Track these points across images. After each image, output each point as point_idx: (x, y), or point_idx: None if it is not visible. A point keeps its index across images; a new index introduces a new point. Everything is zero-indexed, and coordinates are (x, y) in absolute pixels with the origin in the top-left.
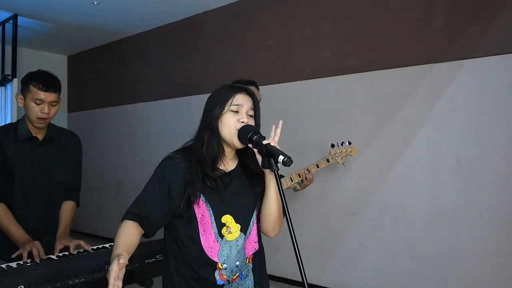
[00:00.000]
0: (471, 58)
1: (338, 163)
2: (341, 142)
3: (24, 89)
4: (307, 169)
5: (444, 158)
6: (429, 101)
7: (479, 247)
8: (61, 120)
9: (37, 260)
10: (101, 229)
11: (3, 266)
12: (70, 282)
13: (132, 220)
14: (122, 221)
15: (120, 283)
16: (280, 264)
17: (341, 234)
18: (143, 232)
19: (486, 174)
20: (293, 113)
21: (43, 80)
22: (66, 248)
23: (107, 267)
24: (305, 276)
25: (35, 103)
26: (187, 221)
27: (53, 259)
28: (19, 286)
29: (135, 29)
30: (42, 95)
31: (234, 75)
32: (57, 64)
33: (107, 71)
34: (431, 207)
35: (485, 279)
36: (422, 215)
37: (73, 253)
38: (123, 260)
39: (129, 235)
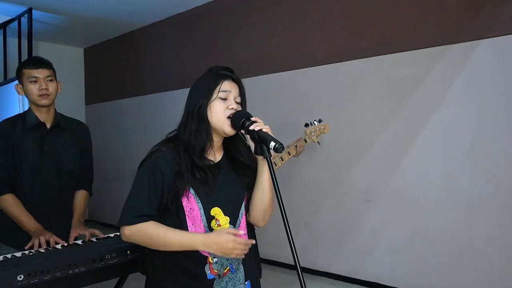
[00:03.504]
0: (488, 37)
1: (314, 141)
2: (313, 121)
3: (19, 77)
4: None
5: (458, 143)
6: (443, 84)
7: (494, 233)
8: (79, 112)
9: (41, 249)
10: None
11: (8, 255)
12: (70, 272)
13: (147, 221)
14: (134, 224)
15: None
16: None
17: (354, 221)
18: None
19: (502, 159)
20: (305, 100)
21: (32, 60)
22: (80, 236)
23: (107, 256)
24: (299, 262)
25: (31, 82)
26: (173, 214)
27: (57, 248)
28: (19, 275)
29: (147, 20)
30: (35, 73)
31: (246, 63)
32: (74, 57)
33: (122, 62)
34: (445, 192)
35: (501, 265)
36: (437, 201)
37: (90, 239)
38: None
39: (165, 227)
